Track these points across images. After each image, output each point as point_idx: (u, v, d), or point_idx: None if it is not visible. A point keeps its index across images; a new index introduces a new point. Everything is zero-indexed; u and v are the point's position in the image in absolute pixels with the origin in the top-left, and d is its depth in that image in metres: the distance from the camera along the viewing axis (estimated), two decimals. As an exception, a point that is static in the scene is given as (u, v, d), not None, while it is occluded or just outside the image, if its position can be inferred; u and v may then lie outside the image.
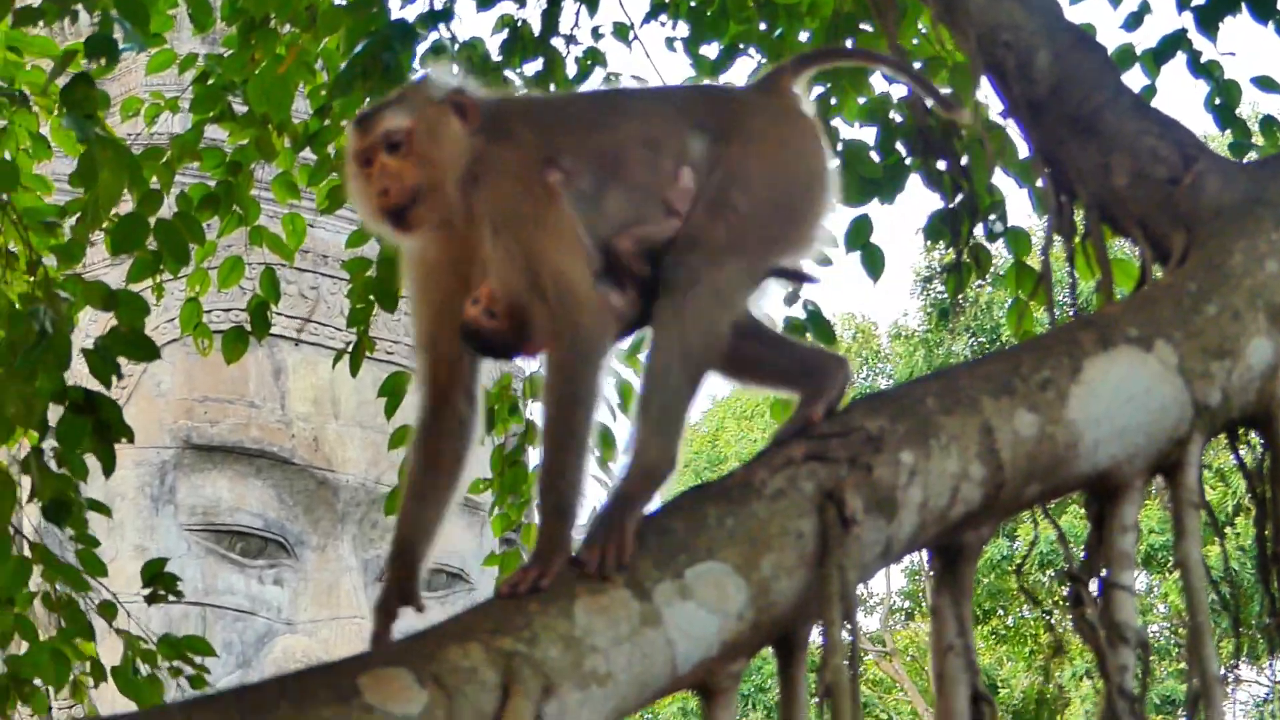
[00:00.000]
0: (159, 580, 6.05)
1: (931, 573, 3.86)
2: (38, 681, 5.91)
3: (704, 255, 3.78)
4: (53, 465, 5.38)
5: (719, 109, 4.04)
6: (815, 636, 3.57)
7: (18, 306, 5.32)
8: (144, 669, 6.25)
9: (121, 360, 5.20)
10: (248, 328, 6.93)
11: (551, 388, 3.66)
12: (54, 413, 5.14)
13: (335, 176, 6.75)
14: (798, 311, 6.90)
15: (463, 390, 3.86)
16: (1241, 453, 3.99)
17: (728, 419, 34.14)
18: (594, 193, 3.82)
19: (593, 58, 7.27)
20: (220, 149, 6.94)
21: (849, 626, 3.47)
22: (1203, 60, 6.72)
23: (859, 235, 6.77)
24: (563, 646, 3.31)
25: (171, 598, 6.18)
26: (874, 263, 6.78)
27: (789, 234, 3.96)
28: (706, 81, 6.97)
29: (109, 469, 5.14)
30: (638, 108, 4.09)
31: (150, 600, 6.10)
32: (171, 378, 14.00)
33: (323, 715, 3.33)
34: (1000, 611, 30.37)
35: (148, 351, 5.11)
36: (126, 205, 5.67)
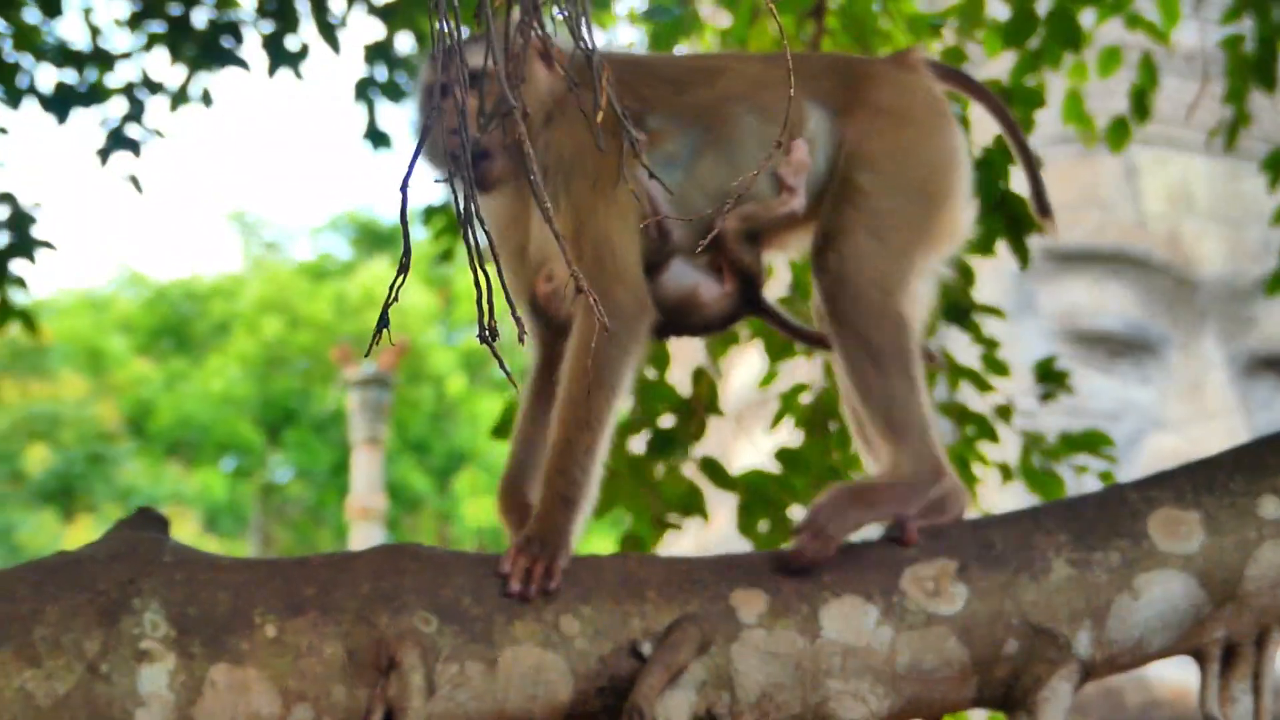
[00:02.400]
0: (1050, 379, 6.05)
1: None
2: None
3: (844, 250, 3.45)
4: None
5: (840, 79, 3.65)
6: None
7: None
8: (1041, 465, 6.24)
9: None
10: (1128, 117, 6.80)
11: (573, 364, 3.32)
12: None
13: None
14: None
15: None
16: None
17: None
18: (687, 158, 3.49)
19: None
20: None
21: None
22: None
23: None
24: None
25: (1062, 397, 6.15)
26: None
27: (927, 220, 3.55)
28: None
29: (1024, 263, 5.16)
30: (747, 71, 3.66)
31: (1044, 399, 6.10)
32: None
33: (1276, 485, 3.37)
34: None
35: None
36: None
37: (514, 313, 3.29)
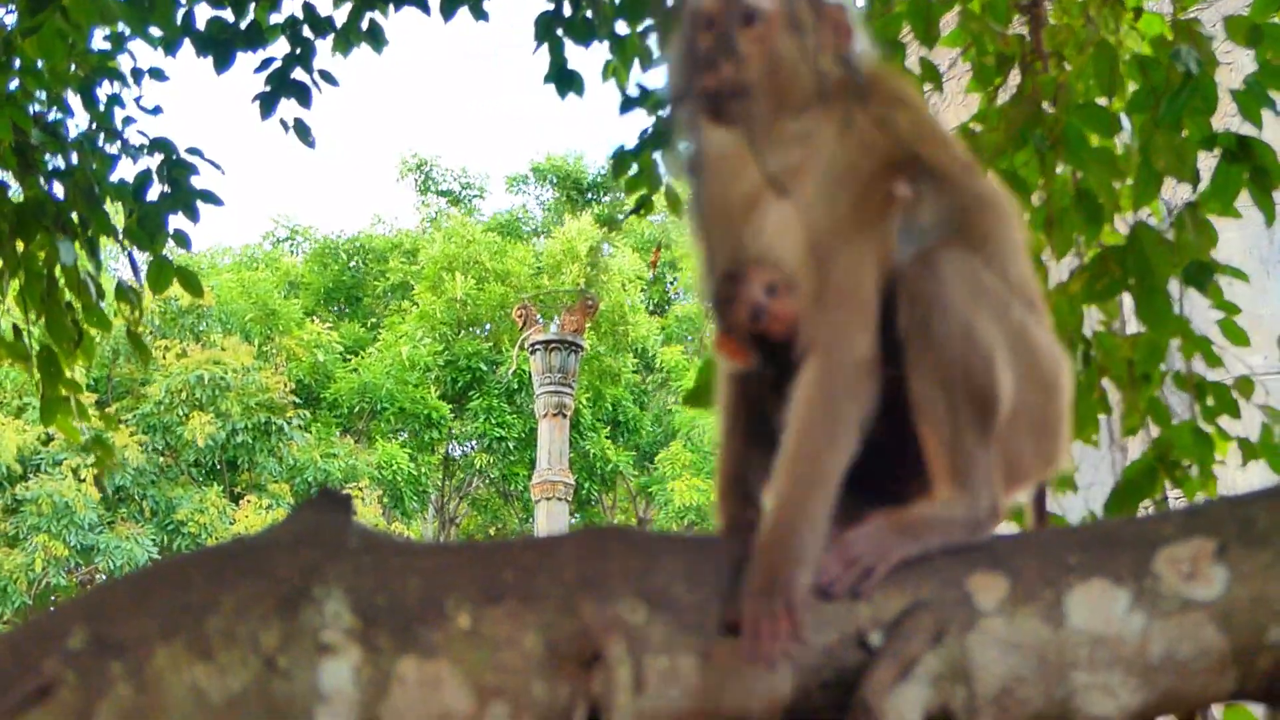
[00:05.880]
0: (1308, 350, 5.88)
1: None
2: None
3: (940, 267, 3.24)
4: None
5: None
6: None
7: (1145, 53, 5.28)
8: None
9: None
10: None
11: (807, 415, 3.17)
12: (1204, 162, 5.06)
13: None
14: None
15: None
16: None
17: None
18: (931, 240, 3.28)
19: None
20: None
21: None
22: None
23: None
24: None
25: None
26: None
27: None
28: None
29: (1270, 219, 5.00)
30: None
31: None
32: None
33: None
34: None
35: (1299, 86, 4.91)
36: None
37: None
